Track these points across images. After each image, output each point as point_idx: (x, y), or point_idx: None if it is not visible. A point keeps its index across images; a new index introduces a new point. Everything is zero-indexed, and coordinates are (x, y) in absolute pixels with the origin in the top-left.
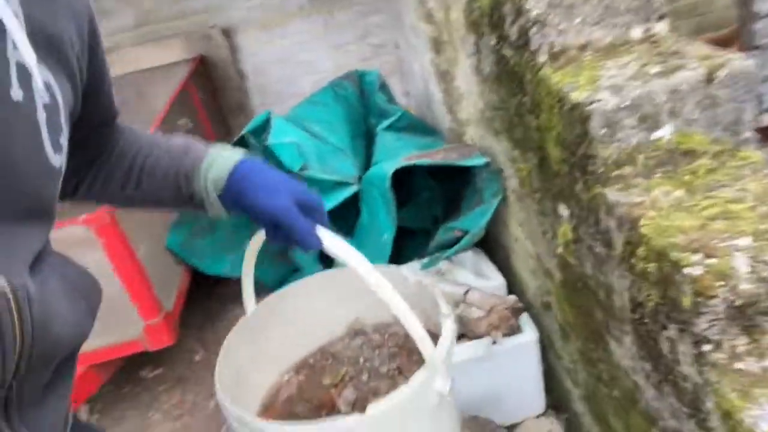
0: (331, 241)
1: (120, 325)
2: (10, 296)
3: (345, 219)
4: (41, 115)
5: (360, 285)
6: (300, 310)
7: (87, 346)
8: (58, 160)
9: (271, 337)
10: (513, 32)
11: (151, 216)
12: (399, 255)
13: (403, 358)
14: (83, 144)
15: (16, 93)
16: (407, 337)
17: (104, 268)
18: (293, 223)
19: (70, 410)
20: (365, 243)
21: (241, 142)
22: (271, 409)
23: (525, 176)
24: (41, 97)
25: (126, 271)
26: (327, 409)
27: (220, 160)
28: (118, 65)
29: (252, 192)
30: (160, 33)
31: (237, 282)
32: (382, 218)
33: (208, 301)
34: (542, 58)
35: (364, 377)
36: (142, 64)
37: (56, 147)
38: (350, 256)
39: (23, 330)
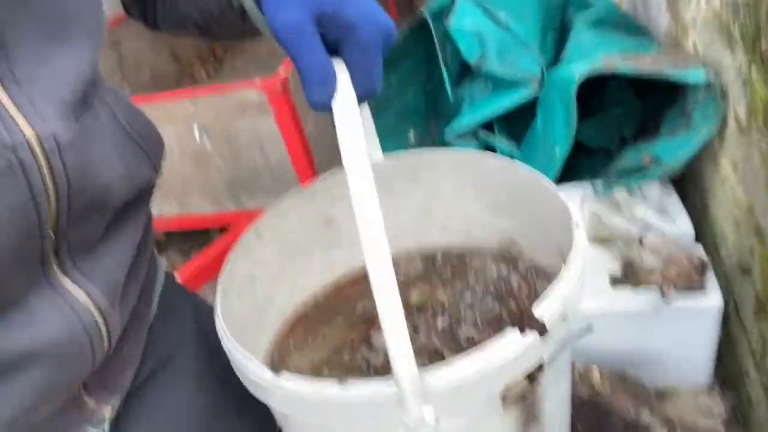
0: (345, 99)
1: (280, 191)
2: (36, 146)
3: (517, 123)
4: None
5: (532, 198)
6: (437, 192)
7: (247, 204)
8: None
9: (391, 202)
10: None
11: None
12: (571, 174)
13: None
14: None
15: None
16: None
17: (273, 135)
18: (294, 48)
19: (146, 262)
20: (534, 154)
21: (420, 24)
22: (341, 292)
23: (760, 104)
24: None
25: (291, 140)
26: (359, 337)
27: None
28: None
29: None
30: None
31: None
32: (558, 129)
33: None
34: None
35: (440, 322)
36: None
37: None
38: (346, 134)
39: (55, 180)
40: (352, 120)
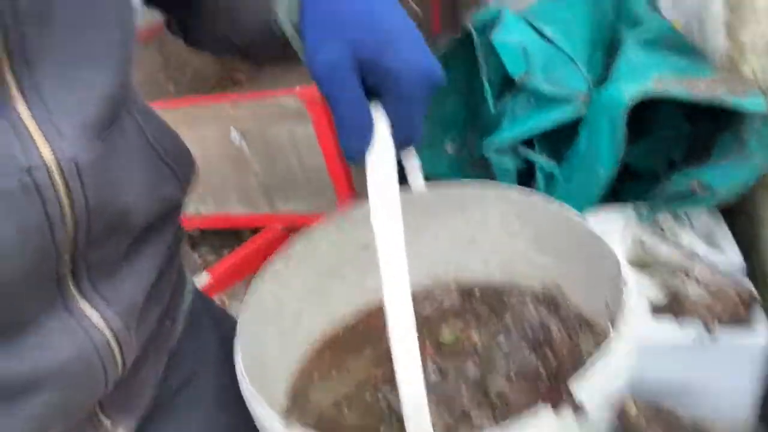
0: (381, 153)
1: (316, 197)
2: (54, 168)
3: (558, 141)
4: None
5: (581, 245)
6: (485, 224)
7: (280, 208)
8: None
9: (433, 229)
10: None
11: None
12: (614, 196)
13: (541, 388)
14: None
15: None
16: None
17: (310, 141)
18: (330, 91)
19: (170, 281)
20: (575, 175)
21: (464, 36)
22: (371, 321)
23: None
24: None
25: (328, 148)
26: (383, 375)
27: None
28: None
29: (305, 28)
30: None
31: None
32: (604, 151)
33: None
34: None
35: (470, 369)
36: None
37: None
38: (379, 194)
39: (73, 202)
40: (387, 176)
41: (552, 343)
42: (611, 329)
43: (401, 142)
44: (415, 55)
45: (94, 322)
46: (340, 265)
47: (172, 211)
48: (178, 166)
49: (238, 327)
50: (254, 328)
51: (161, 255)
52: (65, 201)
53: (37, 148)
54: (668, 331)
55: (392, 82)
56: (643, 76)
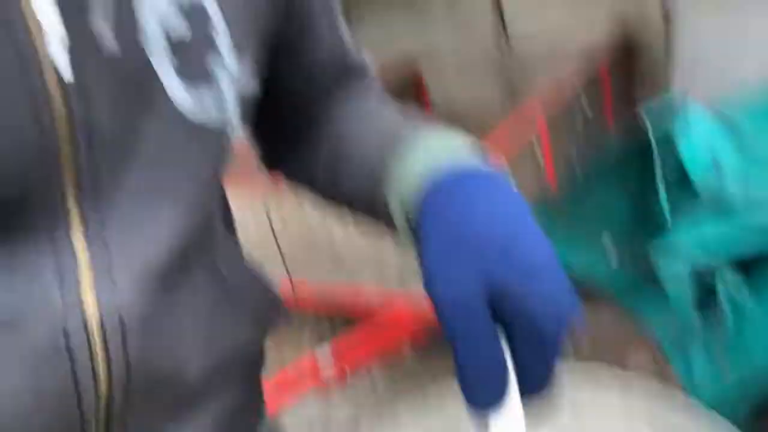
0: (509, 412)
1: None
2: (94, 326)
3: (754, 264)
4: (159, 49)
5: None
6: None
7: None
8: (196, 104)
9: None
10: None
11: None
12: None
13: None
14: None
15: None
16: None
17: None
18: (460, 335)
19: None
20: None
21: (638, 129)
22: None
23: None
24: (163, 28)
25: None
26: None
27: (418, 163)
28: None
29: (425, 241)
30: None
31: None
32: None
33: None
34: None
35: None
36: None
37: (191, 82)
38: None
39: (110, 367)
40: None
41: None
42: None
43: (528, 392)
44: (556, 291)
45: None
46: None
47: (241, 359)
48: (259, 312)
49: None
50: None
51: (224, 411)
52: (101, 364)
53: (79, 294)
54: None
55: (530, 325)
56: None
